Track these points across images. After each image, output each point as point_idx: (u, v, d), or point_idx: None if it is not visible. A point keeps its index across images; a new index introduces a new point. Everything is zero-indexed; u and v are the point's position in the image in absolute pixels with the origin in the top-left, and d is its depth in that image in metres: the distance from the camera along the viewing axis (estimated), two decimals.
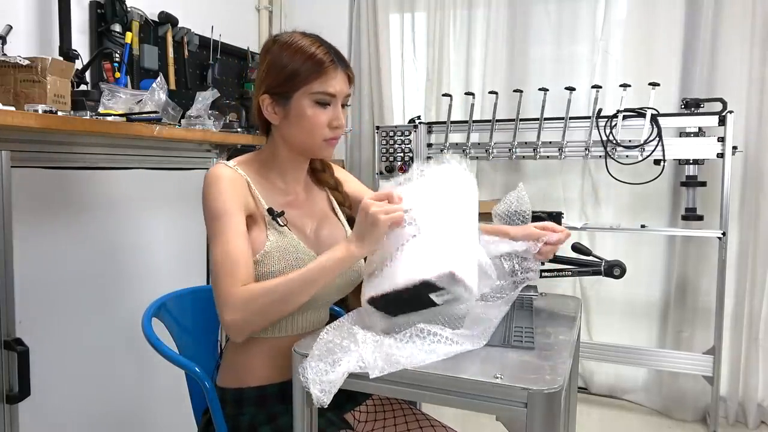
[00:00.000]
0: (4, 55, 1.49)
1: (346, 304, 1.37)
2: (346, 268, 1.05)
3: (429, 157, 2.82)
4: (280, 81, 1.13)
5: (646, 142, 2.41)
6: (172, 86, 2.29)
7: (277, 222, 1.13)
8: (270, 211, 1.13)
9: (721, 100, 2.37)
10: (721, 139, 2.32)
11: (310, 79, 1.11)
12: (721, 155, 2.33)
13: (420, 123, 2.80)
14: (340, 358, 0.90)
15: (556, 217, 1.36)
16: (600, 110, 2.51)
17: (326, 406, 0.87)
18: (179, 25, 2.33)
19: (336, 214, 1.31)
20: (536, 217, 1.36)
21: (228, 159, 1.24)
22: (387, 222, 0.99)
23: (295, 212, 1.18)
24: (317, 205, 1.28)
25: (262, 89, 1.16)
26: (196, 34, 2.44)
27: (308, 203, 1.26)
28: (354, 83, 1.19)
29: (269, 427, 1.10)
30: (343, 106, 1.18)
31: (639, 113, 2.44)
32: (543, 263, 1.39)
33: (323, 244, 1.19)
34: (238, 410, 1.13)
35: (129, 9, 2.07)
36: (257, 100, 1.17)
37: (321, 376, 0.88)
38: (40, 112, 1.33)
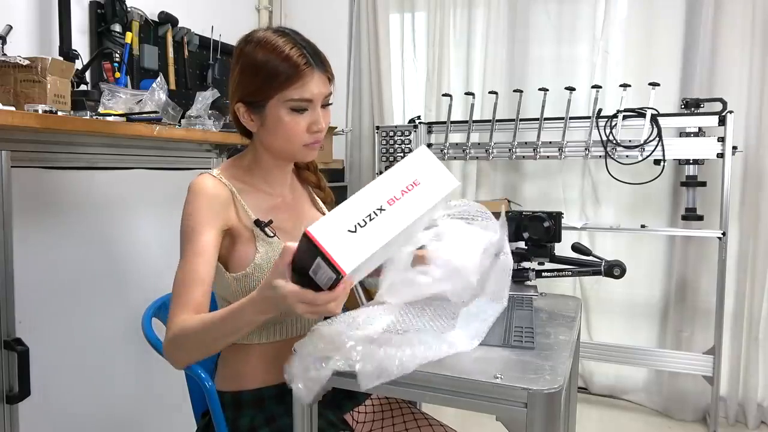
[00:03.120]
0: (4, 55, 1.49)
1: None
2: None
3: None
4: (253, 89, 1.07)
5: (646, 142, 2.41)
6: (172, 86, 2.29)
7: (265, 233, 1.09)
8: (257, 222, 1.10)
9: (721, 100, 2.37)
10: (721, 139, 2.32)
11: (284, 86, 1.04)
12: (721, 155, 2.33)
13: (420, 123, 2.80)
14: (330, 357, 0.85)
15: (555, 217, 1.36)
16: (600, 110, 2.51)
17: (309, 402, 0.85)
18: (179, 25, 2.33)
19: (321, 212, 1.30)
20: (536, 217, 1.36)
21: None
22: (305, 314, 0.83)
23: (283, 215, 1.16)
24: (303, 205, 1.26)
25: (236, 97, 1.11)
26: (196, 34, 2.43)
27: (295, 204, 1.23)
28: (334, 82, 1.12)
29: (269, 429, 1.10)
30: (325, 105, 1.11)
31: (639, 113, 2.44)
32: (543, 263, 1.39)
33: None
34: (237, 413, 1.13)
35: (129, 9, 2.07)
36: (233, 108, 1.12)
37: (305, 373, 0.85)
38: (40, 112, 1.33)
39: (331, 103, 1.13)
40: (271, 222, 1.10)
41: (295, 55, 1.04)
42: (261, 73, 1.06)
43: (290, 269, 0.81)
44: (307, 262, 0.77)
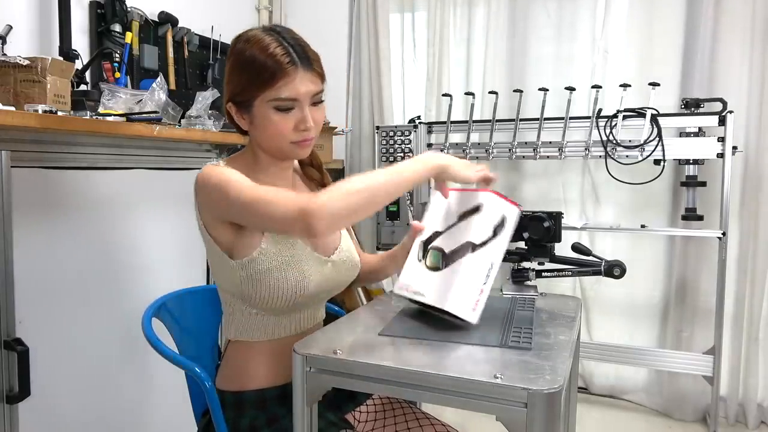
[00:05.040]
0: (4, 55, 1.49)
1: (342, 303, 1.38)
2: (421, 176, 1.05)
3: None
4: (239, 89, 1.08)
5: (646, 142, 2.41)
6: (172, 86, 2.29)
7: None
8: None
9: (721, 100, 2.37)
10: (721, 139, 2.32)
11: (268, 85, 1.04)
12: (721, 155, 2.33)
13: (420, 123, 2.80)
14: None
15: (555, 217, 1.36)
16: (600, 110, 2.51)
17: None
18: (179, 25, 2.33)
19: None
20: (536, 217, 1.36)
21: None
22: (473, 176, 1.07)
23: None
24: None
25: (227, 96, 1.12)
26: (196, 34, 2.43)
27: None
28: (325, 79, 1.11)
29: (270, 430, 1.10)
30: (316, 103, 1.10)
31: (639, 113, 2.44)
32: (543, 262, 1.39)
33: (316, 240, 1.19)
34: (238, 413, 1.13)
35: (129, 9, 2.07)
36: (225, 107, 1.13)
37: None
38: (40, 112, 1.33)
39: (322, 101, 1.12)
40: None
41: (278, 54, 1.04)
42: (246, 71, 1.06)
43: None
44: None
